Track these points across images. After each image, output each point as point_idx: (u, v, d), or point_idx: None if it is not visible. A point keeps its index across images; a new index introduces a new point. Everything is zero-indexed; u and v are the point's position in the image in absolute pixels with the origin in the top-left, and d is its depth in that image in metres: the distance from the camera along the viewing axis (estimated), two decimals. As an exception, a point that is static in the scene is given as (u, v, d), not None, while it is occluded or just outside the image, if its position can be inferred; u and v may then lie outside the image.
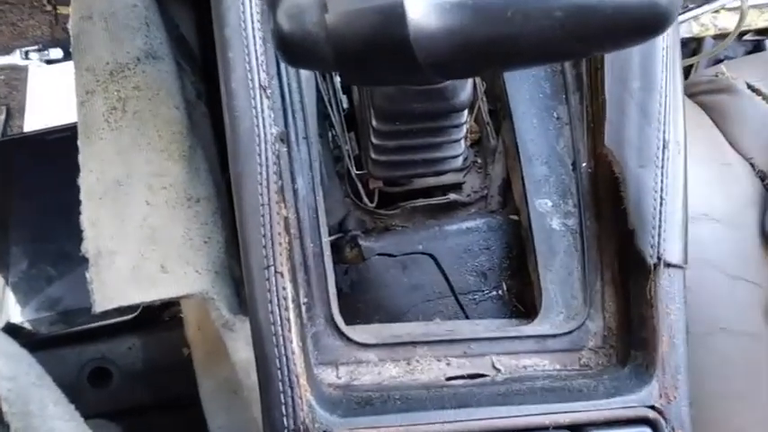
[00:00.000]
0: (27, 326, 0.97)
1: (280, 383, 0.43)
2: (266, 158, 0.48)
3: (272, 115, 0.50)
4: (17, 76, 1.19)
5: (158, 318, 0.99)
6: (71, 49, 0.79)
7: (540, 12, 0.32)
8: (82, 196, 0.71)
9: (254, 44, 0.51)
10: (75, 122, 1.08)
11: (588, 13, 0.33)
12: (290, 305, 0.45)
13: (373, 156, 0.55)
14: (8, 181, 1.06)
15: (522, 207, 0.59)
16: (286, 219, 0.48)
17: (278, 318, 0.45)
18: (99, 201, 0.70)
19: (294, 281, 0.47)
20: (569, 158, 0.60)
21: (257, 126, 0.49)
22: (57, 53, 1.19)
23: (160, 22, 0.87)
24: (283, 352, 0.44)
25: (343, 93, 0.67)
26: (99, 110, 0.74)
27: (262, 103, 0.50)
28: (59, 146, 1.10)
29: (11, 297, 0.99)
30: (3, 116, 1.16)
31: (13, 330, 0.96)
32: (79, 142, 0.74)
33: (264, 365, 0.44)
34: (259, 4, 0.54)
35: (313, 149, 0.58)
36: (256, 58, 0.51)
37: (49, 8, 1.25)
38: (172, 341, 1.00)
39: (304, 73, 0.61)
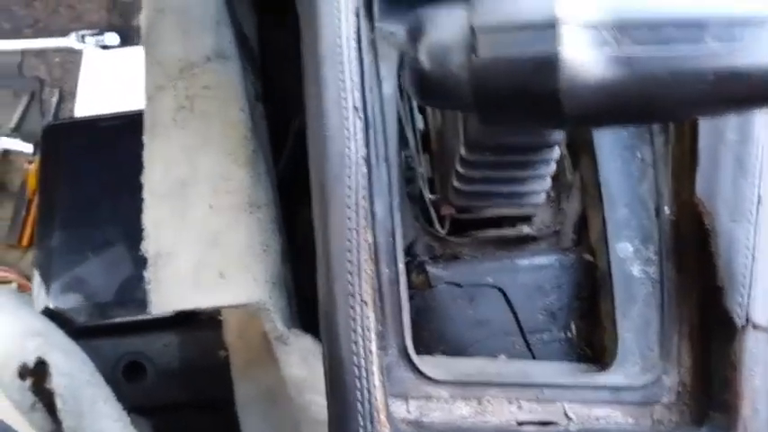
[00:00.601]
0: (65, 313, 0.97)
1: (360, 418, 0.42)
2: (356, 182, 0.47)
3: (363, 137, 0.49)
4: (72, 60, 1.19)
5: (196, 317, 0.98)
6: (141, 42, 0.79)
7: (695, 74, 0.30)
8: (145, 194, 0.71)
9: (350, 63, 0.50)
10: (127, 111, 1.09)
11: (740, 77, 0.32)
12: (373, 336, 0.44)
13: (455, 184, 0.53)
14: (57, 165, 1.05)
15: (601, 249, 0.57)
16: (370, 245, 0.47)
17: (361, 349, 0.44)
18: (162, 200, 0.70)
19: (374, 310, 0.46)
20: (652, 202, 0.58)
21: (348, 148, 0.48)
22: (112, 39, 1.19)
23: (229, 21, 0.86)
24: (365, 385, 0.43)
25: (420, 113, 0.65)
26: (167, 107, 0.74)
27: (354, 125, 0.49)
28: (110, 133, 1.09)
29: (53, 282, 0.99)
30: (56, 98, 1.16)
31: (51, 316, 0.95)
32: (145, 138, 0.73)
33: (343, 397, 0.43)
34: (355, 22, 0.53)
35: (393, 171, 0.56)
36: (351, 79, 0.50)
37: (108, -7, 1.25)
38: (208, 342, 0.99)
39: (386, 91, 0.60)
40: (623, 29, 0.28)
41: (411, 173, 0.64)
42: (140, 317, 0.99)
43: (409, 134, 0.63)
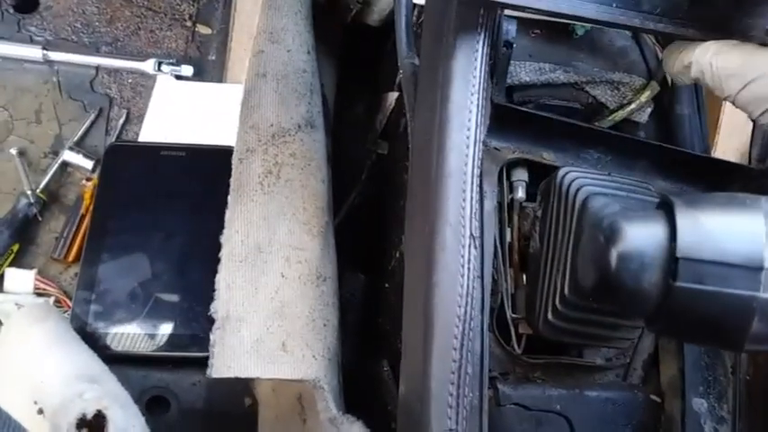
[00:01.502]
0: (101, 338, 0.97)
1: None
2: (466, 317, 0.48)
3: (477, 267, 0.50)
4: (143, 83, 1.21)
5: (230, 363, 0.98)
6: (241, 103, 0.80)
7: None
8: (223, 256, 0.71)
9: (472, 191, 0.51)
10: (190, 144, 1.10)
11: None
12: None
13: (551, 318, 0.54)
14: (114, 186, 1.06)
15: (674, 399, 0.58)
16: (469, 376, 0.48)
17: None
18: (239, 264, 0.70)
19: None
20: (729, 360, 0.59)
21: (461, 286, 0.48)
22: (188, 70, 1.21)
23: (320, 88, 0.88)
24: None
25: (508, 225, 0.67)
26: (256, 171, 0.75)
27: (469, 254, 0.50)
28: (170, 163, 1.11)
29: (92, 304, 0.99)
30: (122, 119, 1.18)
31: (85, 337, 0.95)
32: (230, 199, 0.74)
33: None
34: (481, 153, 0.54)
35: (486, 290, 0.57)
36: (471, 207, 0.51)
37: (189, 24, 1.27)
38: (236, 388, 0.99)
39: (487, 207, 0.62)
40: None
41: (493, 285, 0.65)
42: (174, 353, 0.99)
43: (498, 247, 0.64)
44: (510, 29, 0.66)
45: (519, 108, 0.63)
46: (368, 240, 1.04)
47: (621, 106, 0.72)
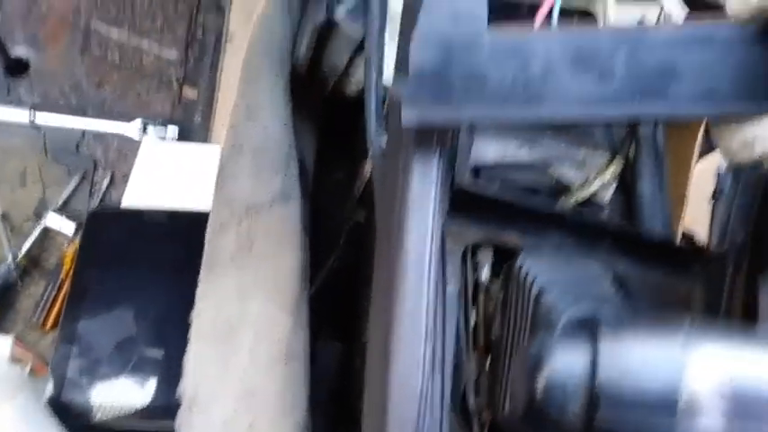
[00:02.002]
0: (76, 408, 0.96)
1: None
2: (422, 413, 0.48)
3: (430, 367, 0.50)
4: (129, 146, 1.23)
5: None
6: (216, 176, 0.82)
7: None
8: (192, 333, 0.72)
9: (429, 283, 0.52)
10: (173, 209, 1.11)
11: None
12: None
13: (507, 411, 0.55)
14: (95, 252, 1.07)
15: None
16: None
17: None
18: (208, 342, 0.71)
19: None
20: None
21: (418, 383, 0.49)
22: (173, 132, 1.23)
23: (296, 159, 0.90)
24: None
25: (473, 306, 0.67)
26: (228, 246, 0.76)
27: (425, 350, 0.50)
28: (152, 229, 1.12)
29: (69, 373, 0.99)
30: (106, 182, 1.19)
31: (61, 407, 0.95)
32: (202, 274, 0.75)
33: None
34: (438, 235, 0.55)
35: (446, 380, 0.58)
36: (428, 301, 0.52)
37: (176, 86, 1.30)
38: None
39: (450, 292, 0.62)
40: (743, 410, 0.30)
41: (458, 369, 0.66)
42: (146, 427, 0.98)
43: (462, 331, 0.65)
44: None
45: (480, 194, 0.64)
46: (344, 308, 1.05)
47: (585, 184, 0.74)
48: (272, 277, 0.76)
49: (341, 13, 0.79)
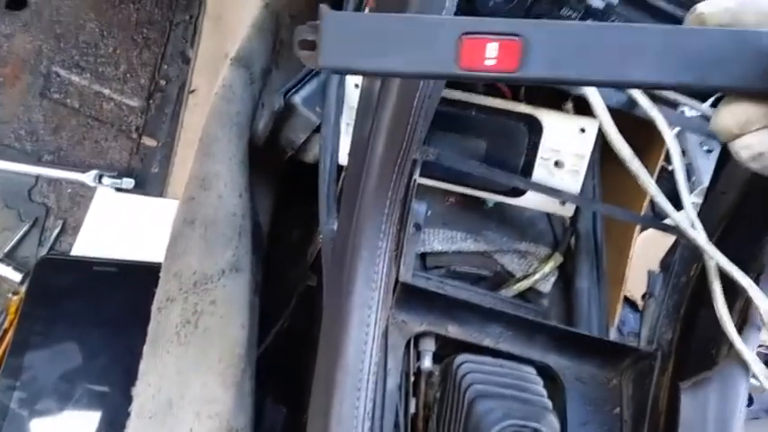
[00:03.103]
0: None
1: None
2: None
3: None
4: (83, 194, 1.22)
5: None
6: (166, 250, 0.82)
7: None
8: (133, 410, 0.71)
9: (367, 386, 0.54)
10: (123, 260, 1.11)
11: None
12: None
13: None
14: (41, 302, 1.05)
15: None
16: None
17: None
18: (148, 420, 0.70)
19: None
20: None
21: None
22: (129, 183, 1.23)
23: (250, 228, 0.91)
24: None
25: (413, 395, 0.69)
26: (173, 321, 0.76)
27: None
28: (102, 279, 1.11)
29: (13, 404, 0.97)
30: (57, 230, 1.18)
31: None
32: (145, 350, 0.75)
33: None
34: (379, 348, 0.57)
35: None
36: (365, 406, 0.53)
37: (135, 136, 1.30)
38: None
39: (390, 386, 0.64)
40: None
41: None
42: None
43: (401, 420, 0.66)
44: (419, 211, 0.71)
45: (424, 288, 0.66)
46: (291, 371, 1.05)
47: (527, 276, 0.77)
48: (215, 354, 0.77)
49: (297, 100, 0.81)
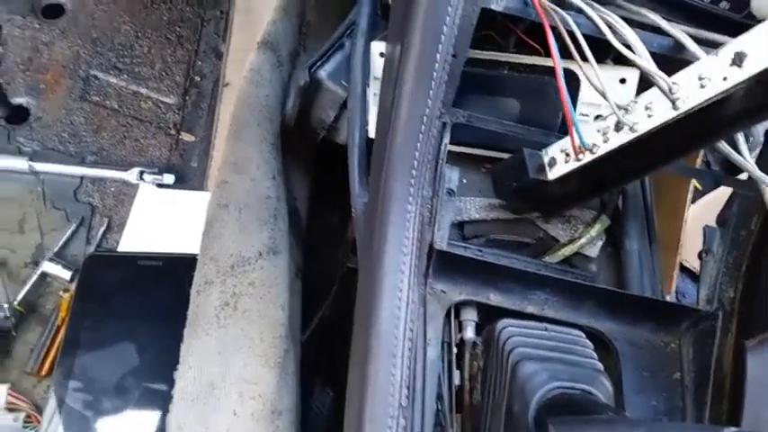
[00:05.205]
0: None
1: None
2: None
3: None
4: (126, 191, 1.24)
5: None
6: (202, 235, 0.82)
7: None
8: (175, 393, 0.71)
9: (403, 353, 0.52)
10: (168, 253, 1.12)
11: None
12: None
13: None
14: (90, 297, 1.07)
15: None
16: None
17: None
18: (191, 402, 0.70)
19: None
20: None
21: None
22: (169, 179, 1.24)
23: (285, 211, 0.90)
24: None
25: (457, 368, 0.66)
26: (212, 303, 0.76)
27: (397, 426, 0.50)
28: (147, 273, 1.12)
29: (65, 422, 0.99)
30: (104, 227, 1.20)
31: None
32: (185, 333, 0.74)
33: None
34: (413, 295, 0.55)
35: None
36: (402, 373, 0.51)
37: (173, 132, 1.31)
38: None
39: (430, 355, 0.62)
40: None
41: (440, 430, 0.64)
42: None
43: (445, 392, 0.64)
44: (452, 177, 0.68)
45: (462, 256, 0.63)
46: (338, 355, 1.04)
47: (572, 240, 0.73)
48: (256, 334, 0.76)
49: (322, 75, 0.80)
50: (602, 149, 0.53)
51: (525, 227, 0.74)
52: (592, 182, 0.60)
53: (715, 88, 0.45)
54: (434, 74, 0.59)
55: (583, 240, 0.72)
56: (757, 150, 0.95)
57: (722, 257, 0.66)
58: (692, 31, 0.65)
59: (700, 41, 0.65)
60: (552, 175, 0.60)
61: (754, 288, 0.63)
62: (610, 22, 0.61)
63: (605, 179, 0.59)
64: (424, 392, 0.58)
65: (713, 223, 0.69)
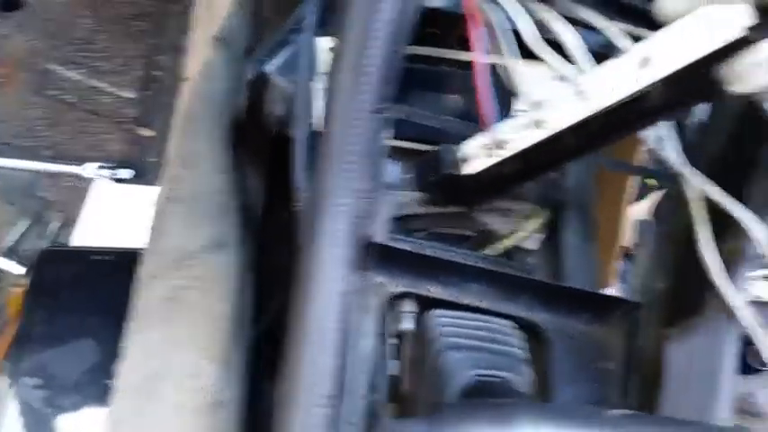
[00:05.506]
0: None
1: None
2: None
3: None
4: (82, 186, 1.23)
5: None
6: (151, 227, 0.82)
7: None
8: (117, 387, 0.71)
9: (333, 344, 0.52)
10: (121, 248, 1.11)
11: None
12: None
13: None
14: (42, 292, 1.06)
15: None
16: None
17: None
18: (130, 396, 0.70)
19: None
20: None
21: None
22: (127, 173, 1.24)
23: (238, 205, 0.90)
24: None
25: (396, 358, 0.67)
26: (157, 298, 0.76)
27: (324, 416, 0.50)
28: (100, 267, 1.11)
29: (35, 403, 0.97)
30: (59, 223, 1.19)
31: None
32: (129, 328, 0.74)
33: None
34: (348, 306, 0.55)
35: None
36: (330, 363, 0.52)
37: (131, 127, 1.31)
38: None
39: (364, 350, 0.63)
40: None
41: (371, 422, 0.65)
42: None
43: (380, 382, 0.65)
44: (394, 171, 0.69)
45: (400, 249, 0.64)
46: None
47: (511, 233, 0.74)
48: (200, 328, 0.76)
49: (270, 69, 0.80)
50: (517, 145, 0.55)
51: (466, 220, 0.75)
52: (507, 176, 0.61)
53: (626, 89, 0.46)
54: (370, 68, 0.60)
55: (521, 234, 0.74)
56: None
57: (653, 250, 0.67)
58: (630, 28, 0.67)
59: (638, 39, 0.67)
60: (468, 169, 0.61)
61: (682, 280, 0.65)
62: (545, 19, 0.63)
63: (520, 173, 0.60)
64: (357, 383, 0.59)
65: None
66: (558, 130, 0.51)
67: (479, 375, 0.49)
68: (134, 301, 0.76)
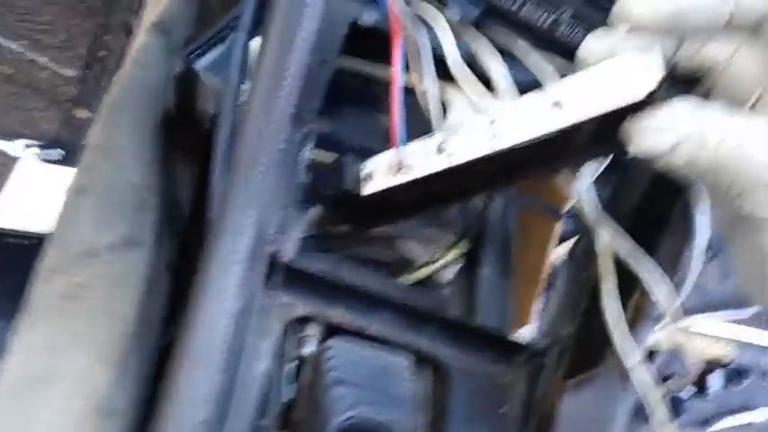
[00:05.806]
0: None
1: None
2: None
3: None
4: (8, 164, 1.17)
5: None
6: (58, 217, 0.78)
7: None
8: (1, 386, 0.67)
9: (218, 366, 0.50)
10: (40, 232, 1.06)
11: None
12: None
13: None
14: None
15: None
16: None
17: None
18: (12, 397, 0.66)
19: None
20: None
21: None
22: (56, 154, 1.18)
23: (160, 202, 0.87)
24: None
25: (293, 382, 0.65)
26: (54, 293, 0.71)
27: None
28: (18, 252, 1.06)
29: None
30: (-24, 200, 1.13)
31: None
32: (22, 323, 0.70)
33: None
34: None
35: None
36: (212, 387, 0.49)
37: (67, 106, 1.26)
38: None
39: (258, 370, 0.60)
40: None
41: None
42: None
43: (271, 407, 0.62)
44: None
45: (307, 270, 0.62)
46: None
47: (429, 263, 0.73)
48: (97, 330, 0.72)
49: (199, 66, 0.77)
50: (420, 170, 0.53)
51: (386, 245, 0.74)
52: (405, 202, 0.60)
53: (535, 129, 0.45)
54: (288, 78, 0.57)
55: (438, 264, 0.72)
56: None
57: (564, 294, 0.67)
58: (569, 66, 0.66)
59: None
60: (367, 189, 0.59)
61: (588, 328, 0.64)
62: (474, 46, 0.62)
63: (420, 201, 0.59)
64: (245, 407, 0.57)
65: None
66: (463, 162, 0.50)
67: (357, 415, 0.47)
68: (30, 294, 0.72)
